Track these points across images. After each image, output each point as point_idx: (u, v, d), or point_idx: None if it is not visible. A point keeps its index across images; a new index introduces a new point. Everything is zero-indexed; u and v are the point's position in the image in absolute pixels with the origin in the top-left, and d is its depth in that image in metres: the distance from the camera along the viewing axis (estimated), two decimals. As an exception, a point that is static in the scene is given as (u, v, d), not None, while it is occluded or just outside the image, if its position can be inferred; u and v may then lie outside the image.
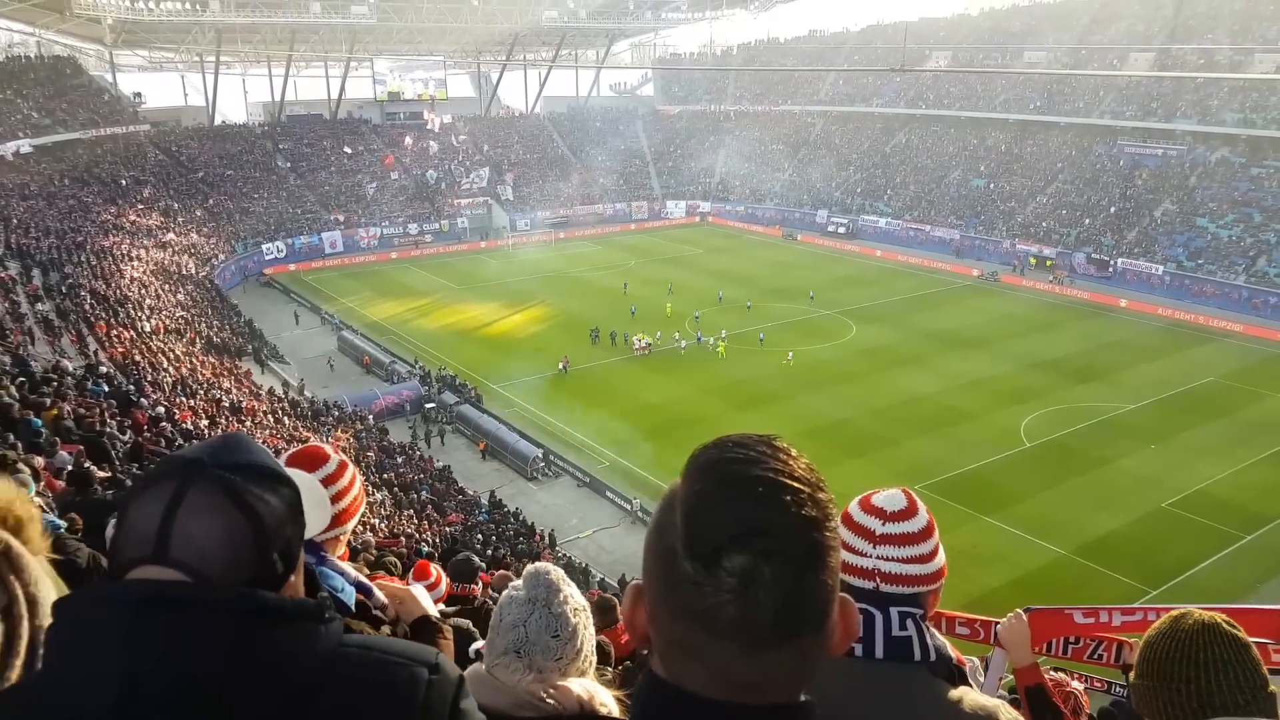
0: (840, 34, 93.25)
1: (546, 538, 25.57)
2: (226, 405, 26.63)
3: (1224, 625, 1.74)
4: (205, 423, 22.36)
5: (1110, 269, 54.61)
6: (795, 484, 0.92)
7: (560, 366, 39.32)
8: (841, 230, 68.89)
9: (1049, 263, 56.65)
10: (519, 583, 1.91)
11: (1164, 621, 1.81)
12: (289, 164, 69.67)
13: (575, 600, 1.90)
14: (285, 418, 29.21)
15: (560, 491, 30.52)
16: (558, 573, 1.93)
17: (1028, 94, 70.86)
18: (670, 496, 0.94)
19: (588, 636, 1.87)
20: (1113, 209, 59.07)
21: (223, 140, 68.93)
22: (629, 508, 28.16)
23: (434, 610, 2.55)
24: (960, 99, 74.83)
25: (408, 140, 74.70)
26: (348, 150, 72.11)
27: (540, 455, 31.60)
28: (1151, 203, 58.33)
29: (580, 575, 22.86)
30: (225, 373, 32.54)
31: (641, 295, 51.27)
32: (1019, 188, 65.48)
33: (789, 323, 46.54)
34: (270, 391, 32.93)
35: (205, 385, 28.35)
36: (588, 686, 1.81)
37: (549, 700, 1.74)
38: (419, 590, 2.55)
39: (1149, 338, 44.32)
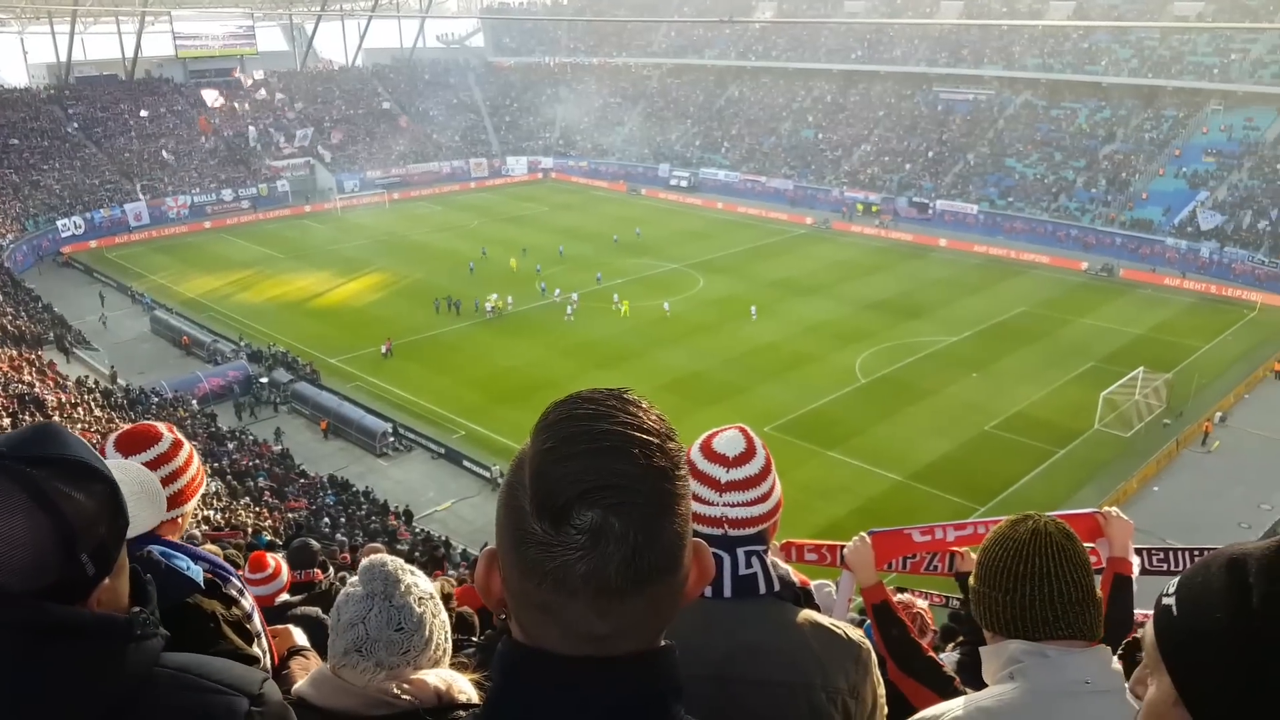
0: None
1: (401, 514, 24.78)
2: (29, 400, 24.15)
3: (1056, 534, 1.67)
4: (6, 421, 20.23)
5: (930, 211, 57.83)
6: (645, 435, 0.91)
7: (383, 350, 36.84)
8: (684, 184, 69.60)
9: (875, 208, 59.37)
10: (354, 578, 1.81)
11: (1003, 526, 1.74)
12: (82, 130, 63.31)
13: (419, 588, 1.80)
14: (97, 409, 26.82)
15: (414, 466, 29.65)
16: (396, 562, 1.82)
17: (850, 44, 73.43)
18: (520, 456, 0.94)
19: (438, 625, 1.79)
20: (930, 153, 62.42)
21: (2, 107, 61.76)
22: (488, 475, 27.65)
23: (305, 641, 2.45)
24: (788, 50, 76.70)
25: (216, 100, 69.21)
26: (145, 113, 66.15)
27: (389, 430, 30.45)
28: (965, 146, 62.01)
29: (441, 548, 22.31)
30: (25, 364, 29.50)
31: (489, 256, 50.15)
32: (845, 137, 68.06)
33: (639, 279, 46.72)
34: (79, 382, 30.12)
35: (3, 379, 25.59)
36: (444, 675, 1.73)
37: (404, 696, 1.66)
38: (297, 631, 2.45)
39: (967, 274, 47.35)
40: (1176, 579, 0.89)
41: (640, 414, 0.94)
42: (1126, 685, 1.49)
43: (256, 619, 2.16)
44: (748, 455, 1.78)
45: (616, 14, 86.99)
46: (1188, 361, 34.78)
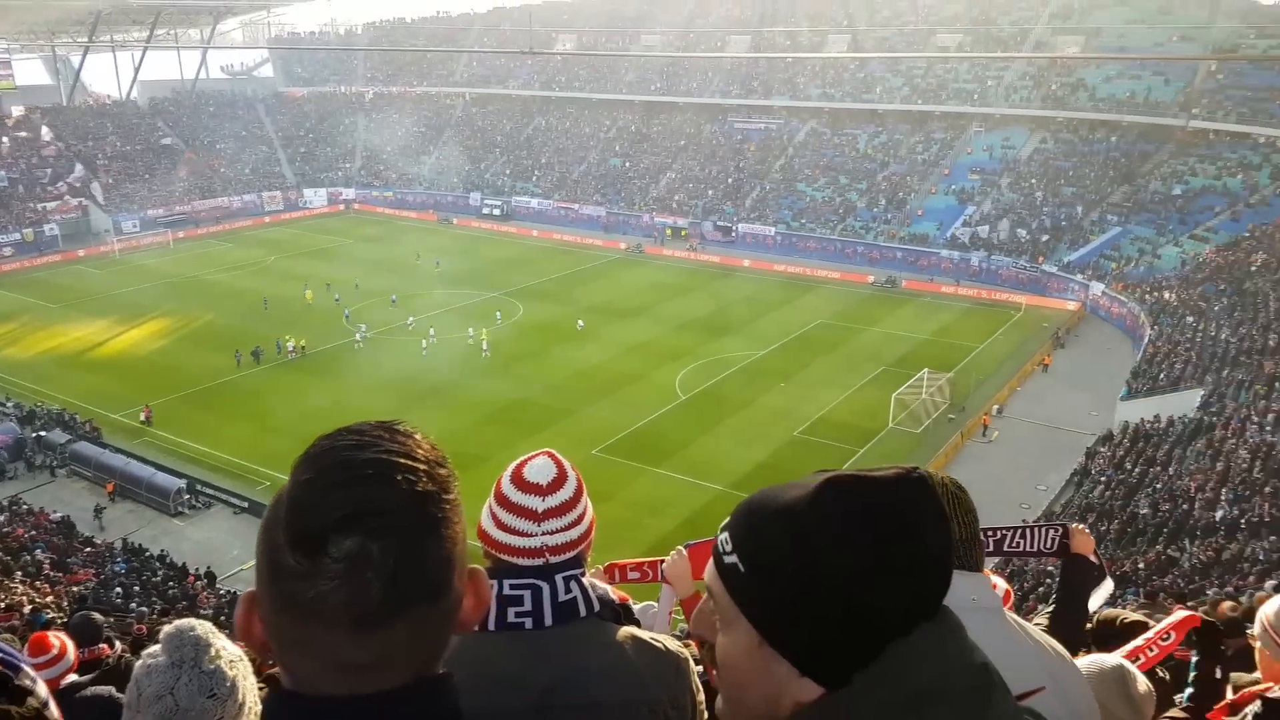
0: (467, 15, 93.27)
1: (203, 576, 23.01)
2: None
3: (949, 484, 1.92)
4: None
5: (733, 234, 60.70)
6: (409, 462, 0.89)
7: (142, 418, 33.05)
8: (497, 212, 69.35)
9: (683, 232, 61.61)
10: (156, 648, 1.72)
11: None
12: None
13: (229, 651, 1.75)
14: None
15: (214, 523, 27.64)
16: (204, 626, 1.76)
17: (649, 76, 76.04)
18: (279, 493, 0.90)
19: (248, 687, 1.73)
20: (730, 180, 65.57)
21: None
22: (300, 523, 26.11)
23: None
24: (590, 81, 78.40)
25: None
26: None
27: (183, 487, 28.21)
28: (761, 172, 65.60)
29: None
30: None
31: (287, 294, 47.75)
32: (651, 165, 70.27)
33: (457, 309, 46.04)
34: None
35: None
36: None
37: None
38: None
39: (769, 291, 49.95)
40: (726, 537, 0.95)
41: (408, 443, 0.92)
42: (1000, 605, 1.72)
43: (53, 708, 2.06)
44: (560, 480, 1.75)
45: (414, 43, 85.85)
46: (966, 361, 38.26)
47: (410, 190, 74.28)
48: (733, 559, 0.92)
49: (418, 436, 0.93)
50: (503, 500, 1.72)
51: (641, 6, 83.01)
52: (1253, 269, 39.20)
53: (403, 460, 0.89)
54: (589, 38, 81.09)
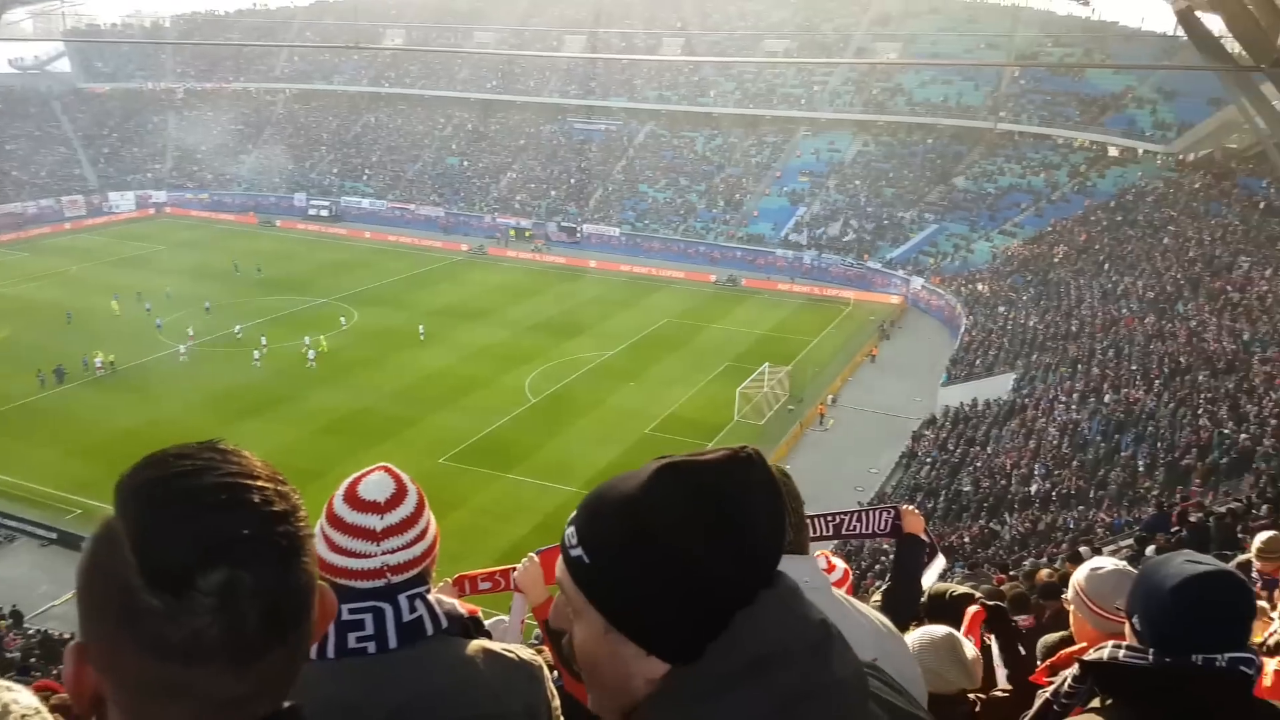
0: (287, 8, 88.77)
1: (8, 616, 20.95)
2: None
3: (775, 470, 1.97)
4: None
5: (578, 235, 60.82)
6: (257, 483, 0.87)
7: None
8: (325, 213, 66.30)
9: (527, 233, 61.13)
10: None
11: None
12: None
13: (21, 704, 1.53)
14: None
15: (18, 558, 25.18)
16: None
17: (484, 74, 74.97)
18: (107, 532, 0.84)
19: None
20: (572, 180, 65.66)
21: None
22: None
23: None
24: (422, 78, 76.45)
25: None
26: None
27: None
28: (603, 173, 66.05)
29: (63, 647, 19.11)
30: None
31: (93, 306, 43.85)
32: (490, 164, 69.31)
33: (283, 315, 43.76)
34: None
35: None
36: None
37: None
38: None
39: (616, 291, 50.40)
40: (572, 531, 0.98)
41: (244, 463, 0.88)
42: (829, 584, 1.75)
43: None
44: (400, 495, 1.67)
45: (228, 37, 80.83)
46: (803, 354, 39.99)
47: (228, 192, 69.96)
48: (578, 551, 0.95)
49: (247, 455, 0.90)
50: (336, 521, 1.64)
51: (474, 3, 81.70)
52: (1055, 260, 43.12)
53: (249, 481, 0.86)
54: (419, 33, 79.02)
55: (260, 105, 78.74)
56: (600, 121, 70.09)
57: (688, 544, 0.90)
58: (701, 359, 39.29)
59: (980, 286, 44.08)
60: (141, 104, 77.58)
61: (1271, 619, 3.80)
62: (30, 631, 20.10)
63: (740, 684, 0.89)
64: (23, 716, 1.39)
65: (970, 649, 2.98)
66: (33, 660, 17.17)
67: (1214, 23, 25.50)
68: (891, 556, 3.45)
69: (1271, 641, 3.71)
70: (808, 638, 0.94)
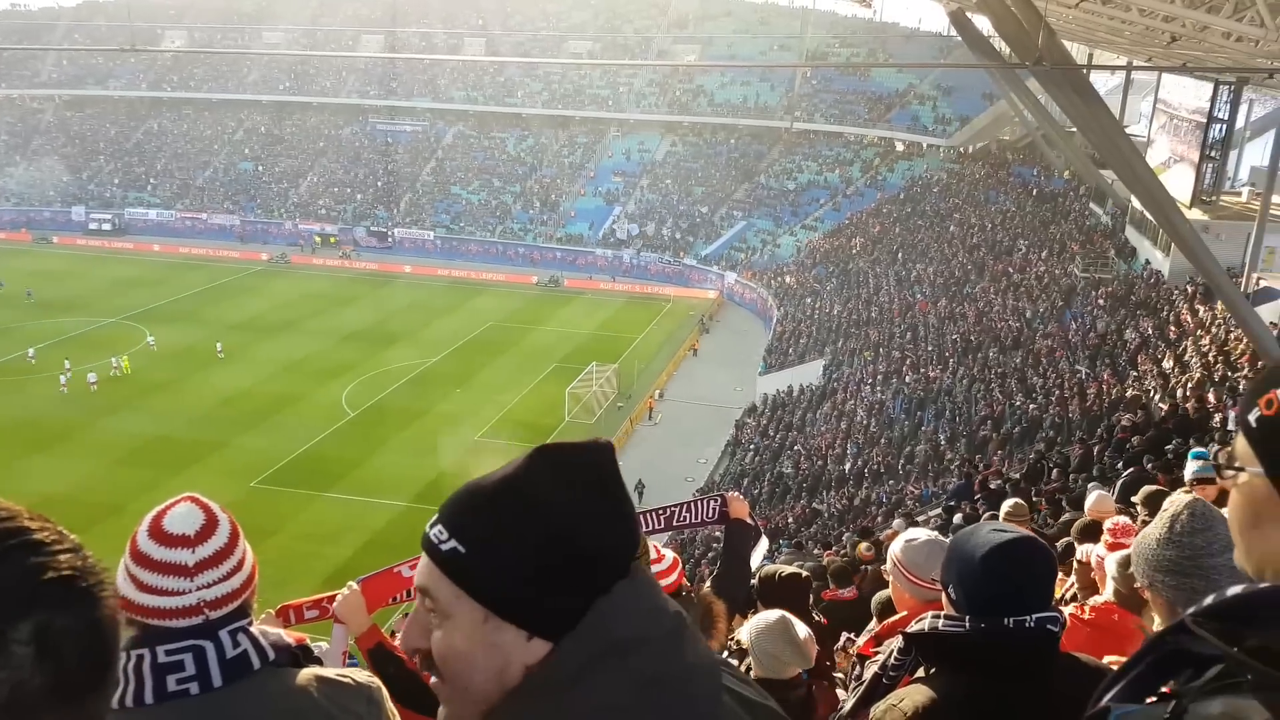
0: (52, 9, 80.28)
1: None
2: None
3: None
4: None
5: (390, 239, 58.83)
6: (35, 524, 0.83)
7: None
8: (107, 227, 60.66)
9: (333, 239, 58.45)
10: None
11: None
12: None
13: None
14: None
15: None
16: None
17: (276, 75, 70.95)
18: None
19: None
20: (379, 183, 63.40)
21: None
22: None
23: None
24: (208, 80, 71.40)
25: None
26: None
27: None
28: (412, 175, 64.17)
29: None
30: None
31: None
32: (288, 169, 65.73)
33: (69, 338, 39.82)
34: None
35: None
36: None
37: None
38: None
39: (435, 296, 49.18)
40: (440, 529, 0.98)
41: (8, 505, 0.84)
42: None
43: None
44: (211, 526, 1.59)
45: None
46: (628, 351, 40.62)
47: (-5, 207, 62.70)
48: (450, 545, 0.96)
49: (3, 501, 0.86)
50: (142, 559, 1.54)
51: (260, 3, 77.07)
52: (854, 252, 46.02)
53: (27, 523, 0.82)
54: (202, 34, 73.65)
55: (26, 113, 71.08)
56: (405, 123, 68.03)
57: (570, 518, 0.95)
58: (529, 361, 39.06)
59: (788, 279, 46.40)
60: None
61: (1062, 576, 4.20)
62: None
63: (600, 669, 0.92)
64: None
65: (803, 629, 3.11)
66: None
67: (983, 24, 28.00)
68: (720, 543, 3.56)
69: (1068, 595, 4.12)
70: (664, 625, 0.98)
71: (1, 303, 44.65)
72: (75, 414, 32.46)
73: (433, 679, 1.00)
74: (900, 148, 56.70)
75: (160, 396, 34.14)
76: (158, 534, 1.56)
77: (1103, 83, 34.19)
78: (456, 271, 54.03)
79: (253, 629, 1.62)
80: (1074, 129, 28.31)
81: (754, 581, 3.84)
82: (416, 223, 60.05)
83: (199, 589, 1.55)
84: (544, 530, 0.94)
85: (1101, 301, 28.26)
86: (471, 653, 0.96)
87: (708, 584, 3.20)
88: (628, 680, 0.92)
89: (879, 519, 19.39)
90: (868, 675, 2.28)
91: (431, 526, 1.00)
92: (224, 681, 1.53)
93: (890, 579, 2.95)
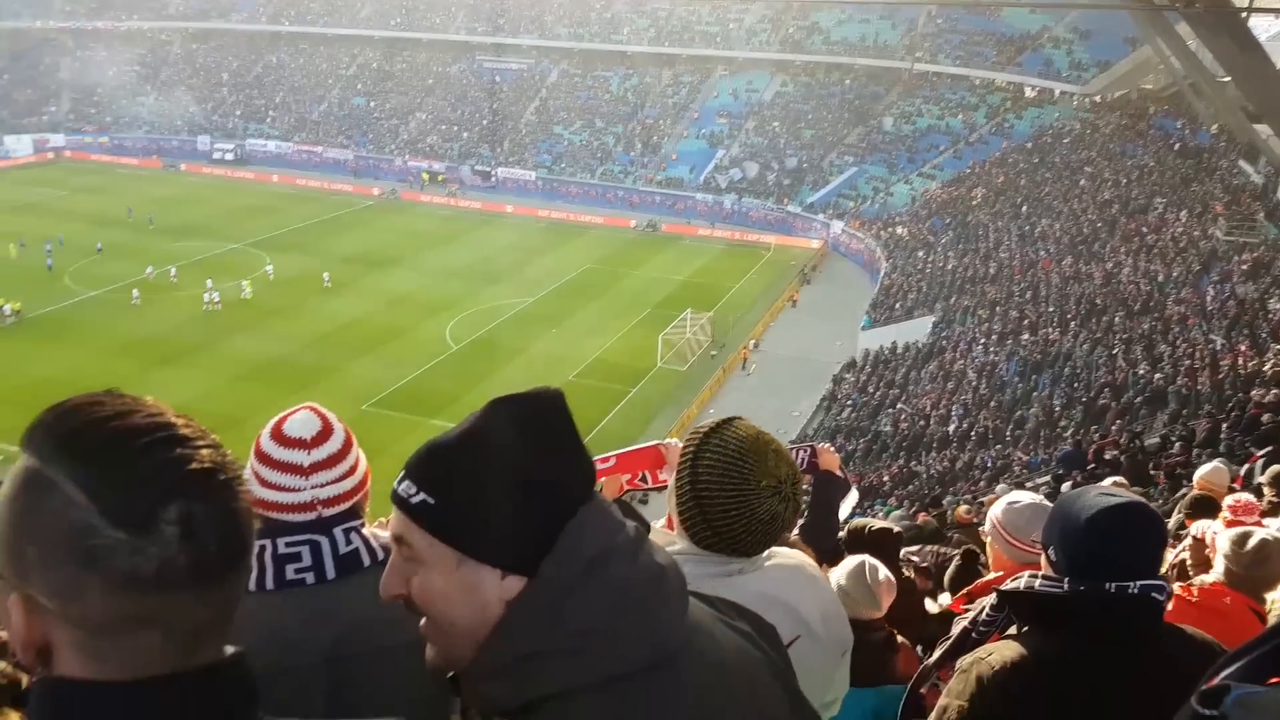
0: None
1: None
2: None
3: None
4: None
5: (493, 179, 59.24)
6: (180, 420, 0.92)
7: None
8: (229, 157, 63.16)
9: (440, 177, 59.25)
10: None
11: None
12: None
13: None
14: None
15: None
16: None
17: (388, 9, 71.74)
18: (35, 477, 0.88)
19: None
20: (485, 122, 63.71)
21: None
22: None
23: None
24: (324, 15, 72.77)
25: None
26: None
27: None
28: (516, 114, 64.26)
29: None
30: None
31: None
32: (398, 105, 66.72)
33: (193, 262, 41.91)
34: None
35: None
36: None
37: None
38: None
39: (534, 237, 49.40)
40: (408, 484, 1.04)
41: (157, 405, 0.93)
42: None
43: None
44: (326, 433, 1.74)
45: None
46: (724, 300, 40.06)
47: (129, 135, 65.98)
48: (420, 497, 1.03)
49: (150, 399, 0.94)
50: (264, 458, 1.71)
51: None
52: (974, 203, 43.83)
53: (174, 420, 0.91)
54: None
55: (156, 45, 74.17)
56: (511, 61, 67.90)
57: (530, 457, 1.03)
58: (623, 305, 39.00)
59: (899, 230, 44.68)
60: (30, 44, 72.19)
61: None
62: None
63: (583, 585, 1.01)
64: None
65: (884, 573, 3.17)
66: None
67: (1127, -37, 25.78)
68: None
69: (1174, 571, 3.87)
70: (627, 535, 1.07)
71: (131, 228, 47.20)
72: (202, 332, 34.51)
73: (421, 621, 1.07)
74: (1030, 94, 53.35)
75: (278, 321, 35.72)
76: (278, 436, 1.73)
77: (1264, 27, 31.21)
78: (556, 213, 54.08)
79: (364, 530, 1.75)
80: (1227, 78, 25.93)
81: (842, 534, 3.88)
82: (519, 162, 60.24)
83: (313, 488, 1.70)
84: (506, 474, 1.01)
85: (1244, 267, 26.16)
86: (450, 594, 1.03)
87: (795, 532, 3.17)
88: (608, 589, 1.01)
89: (981, 483, 18.69)
90: (956, 629, 2.26)
91: (399, 483, 1.05)
92: (337, 574, 1.68)
93: (988, 540, 2.96)
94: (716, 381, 32.29)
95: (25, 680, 1.86)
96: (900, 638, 3.26)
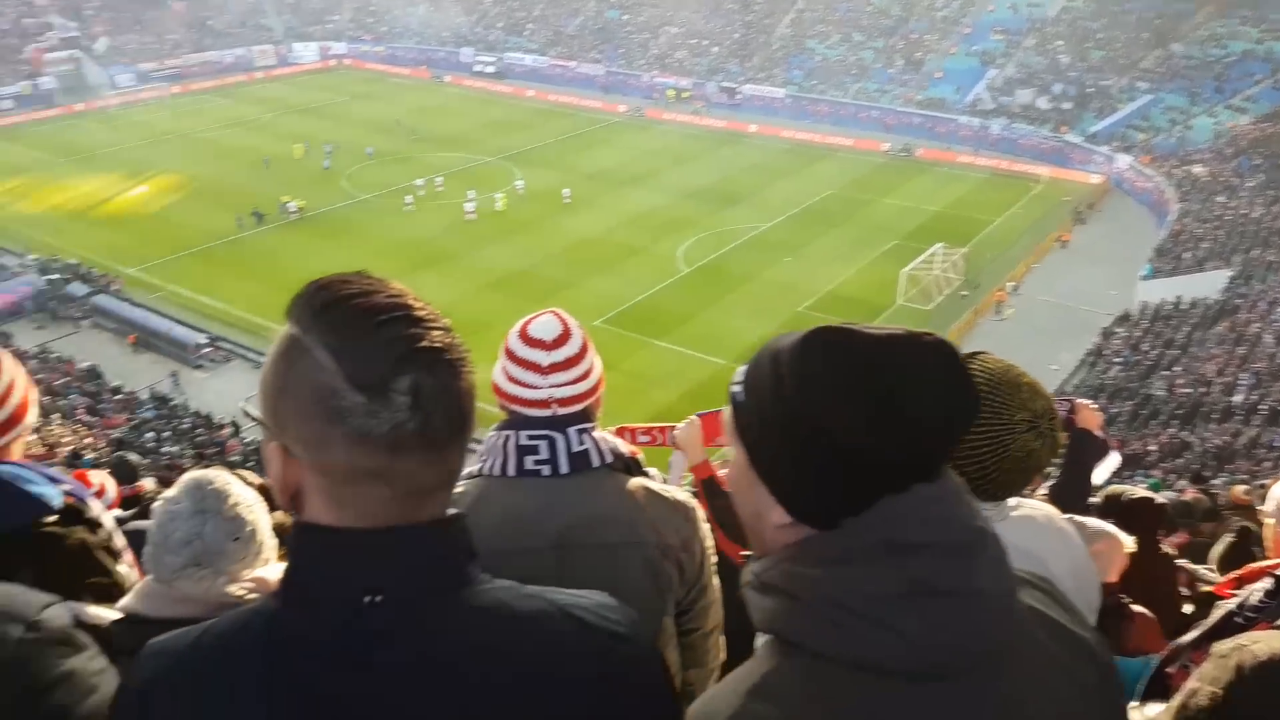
0: None
1: (232, 426, 23.58)
2: None
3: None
4: None
5: (738, 96, 57.85)
6: (418, 302, 1.01)
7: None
8: (490, 70, 66.15)
9: (686, 94, 58.68)
10: (176, 494, 1.82)
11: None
12: None
13: (245, 498, 1.85)
14: None
15: (234, 376, 27.97)
16: (221, 477, 1.85)
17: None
18: (293, 342, 0.98)
19: (263, 526, 1.87)
20: (736, 35, 62.08)
21: None
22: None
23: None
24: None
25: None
26: None
27: (204, 340, 29.15)
28: (769, 27, 62.08)
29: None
30: None
31: (281, 153, 46.40)
32: (651, 18, 66.53)
33: (451, 172, 44.59)
34: None
35: None
36: (279, 570, 1.74)
37: (248, 596, 1.75)
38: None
39: (777, 159, 47.92)
40: (741, 369, 1.07)
41: (401, 288, 1.02)
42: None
43: (118, 539, 2.06)
44: (565, 336, 1.87)
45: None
46: (982, 235, 37.03)
47: (401, 45, 70.81)
48: (737, 387, 1.06)
49: (397, 283, 1.03)
50: (510, 355, 1.85)
51: None
52: (1291, 143, 37.43)
53: (413, 301, 1.00)
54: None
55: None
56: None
57: (824, 411, 0.95)
58: (866, 235, 37.11)
59: (1197, 169, 39.02)
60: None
61: None
62: (246, 440, 22.49)
63: (871, 560, 0.94)
64: (247, 507, 1.80)
65: (1123, 543, 2.88)
66: (250, 465, 18.95)
67: None
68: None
69: None
70: (953, 538, 0.95)
71: (398, 137, 50.76)
72: (460, 240, 36.70)
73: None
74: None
75: (524, 234, 37.22)
76: (524, 336, 1.87)
77: None
78: (801, 134, 52.00)
79: (596, 433, 1.87)
80: None
81: (1097, 499, 3.69)
82: (768, 79, 58.34)
83: (550, 386, 1.82)
84: (791, 415, 0.96)
85: None
86: (738, 488, 1.07)
87: (1043, 490, 3.03)
88: (898, 579, 0.93)
89: (1266, 464, 16.26)
90: (1218, 613, 2.07)
91: (740, 369, 1.09)
92: (570, 470, 1.81)
93: (1270, 521, 2.72)
94: (965, 325, 30.09)
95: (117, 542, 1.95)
96: (1138, 608, 3.01)
